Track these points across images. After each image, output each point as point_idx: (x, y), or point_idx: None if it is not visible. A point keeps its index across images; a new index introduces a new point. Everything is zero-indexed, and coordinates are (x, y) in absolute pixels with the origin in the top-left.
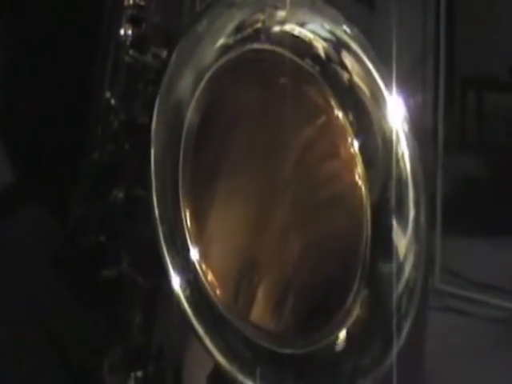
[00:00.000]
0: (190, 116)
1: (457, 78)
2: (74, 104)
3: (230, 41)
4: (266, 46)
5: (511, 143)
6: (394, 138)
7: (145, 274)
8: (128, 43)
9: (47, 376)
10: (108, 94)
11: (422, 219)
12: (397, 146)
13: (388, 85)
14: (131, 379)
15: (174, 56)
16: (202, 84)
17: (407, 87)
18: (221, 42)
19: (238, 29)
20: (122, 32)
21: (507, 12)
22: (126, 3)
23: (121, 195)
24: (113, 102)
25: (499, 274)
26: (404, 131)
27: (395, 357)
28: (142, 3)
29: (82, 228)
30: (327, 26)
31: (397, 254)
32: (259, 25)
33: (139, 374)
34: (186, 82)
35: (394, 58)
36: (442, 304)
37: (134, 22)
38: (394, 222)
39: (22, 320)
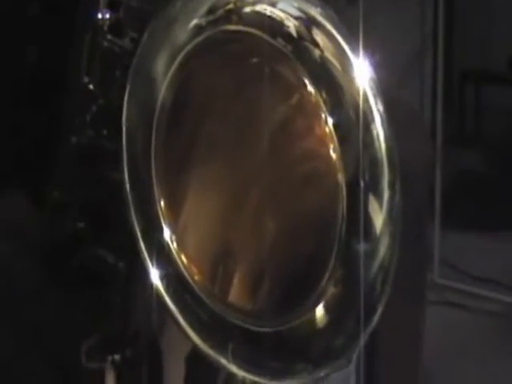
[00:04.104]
0: (163, 97)
1: (455, 72)
2: (51, 88)
3: (203, 22)
4: (239, 27)
5: (510, 136)
6: (362, 104)
7: (125, 259)
8: (105, 27)
9: (24, 360)
10: (86, 79)
11: (397, 200)
12: (371, 125)
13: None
14: (108, 363)
15: (145, 36)
16: (175, 65)
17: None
18: (193, 23)
19: (211, 10)
20: (99, 16)
21: (505, 5)
22: None
23: (99, 180)
24: (91, 86)
25: (498, 268)
26: (378, 110)
27: (366, 337)
28: None
29: (59, 214)
30: (297, 4)
31: (372, 232)
32: (231, 6)
33: (116, 357)
34: (158, 62)
35: (360, 29)
36: (441, 298)
37: (112, 5)
38: (370, 197)
39: None
